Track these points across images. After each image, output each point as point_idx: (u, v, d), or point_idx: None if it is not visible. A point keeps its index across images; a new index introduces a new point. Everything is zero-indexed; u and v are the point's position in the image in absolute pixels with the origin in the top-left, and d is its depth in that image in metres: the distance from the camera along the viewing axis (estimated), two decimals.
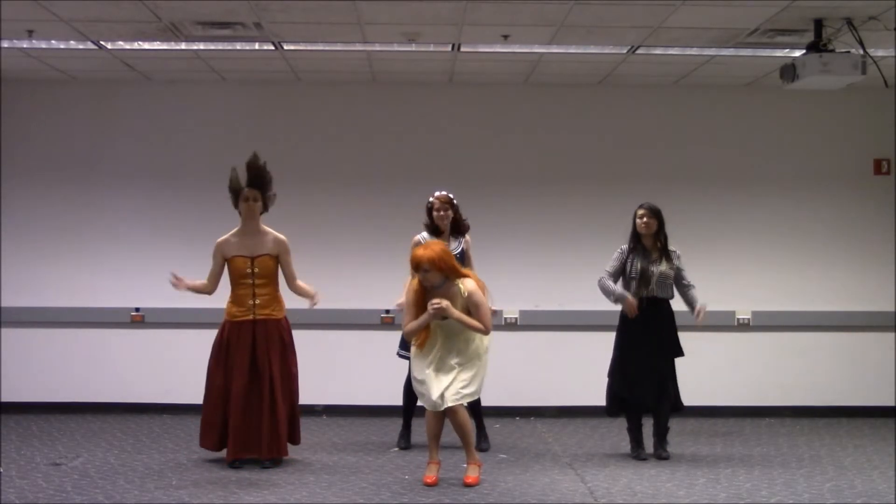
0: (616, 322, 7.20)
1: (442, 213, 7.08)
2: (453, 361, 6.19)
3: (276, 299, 6.75)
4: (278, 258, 6.73)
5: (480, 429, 7.28)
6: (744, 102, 8.95)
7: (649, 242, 7.03)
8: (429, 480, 6.22)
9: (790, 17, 6.73)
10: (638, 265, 6.97)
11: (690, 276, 7.10)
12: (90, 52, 7.71)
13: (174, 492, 5.98)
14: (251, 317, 6.64)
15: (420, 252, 6.16)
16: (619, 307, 7.09)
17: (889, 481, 6.35)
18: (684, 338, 7.10)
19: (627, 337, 7.07)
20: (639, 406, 7.11)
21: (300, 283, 6.81)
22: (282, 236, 6.77)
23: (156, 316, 8.70)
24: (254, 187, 6.67)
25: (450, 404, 6.13)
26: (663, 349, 7.03)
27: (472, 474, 6.26)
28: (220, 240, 6.75)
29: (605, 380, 7.18)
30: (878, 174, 8.94)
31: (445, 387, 6.14)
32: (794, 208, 8.93)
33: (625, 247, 7.08)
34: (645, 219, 6.99)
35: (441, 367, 6.19)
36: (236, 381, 6.58)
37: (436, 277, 6.15)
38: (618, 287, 7.03)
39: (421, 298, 6.18)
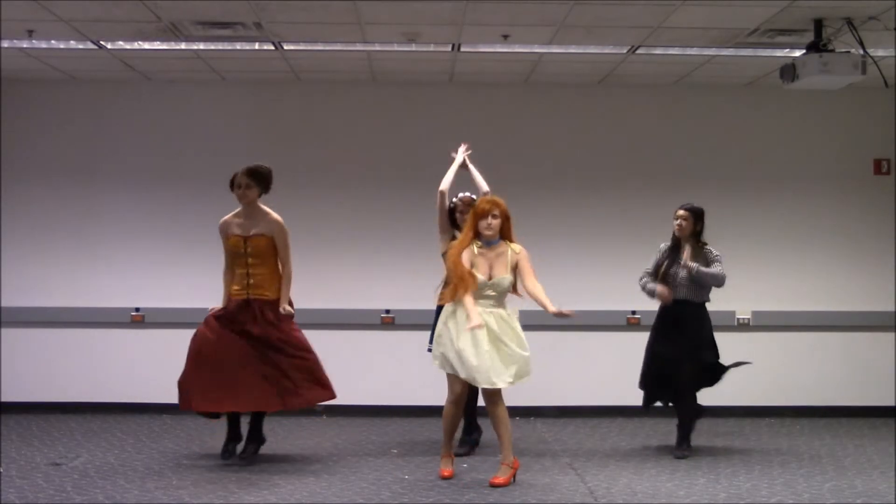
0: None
1: (466, 215, 6.97)
2: (507, 340, 6.11)
3: (271, 280, 6.72)
4: (273, 239, 6.72)
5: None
6: (744, 102, 8.95)
7: (685, 244, 7.02)
8: (446, 474, 6.26)
9: (790, 17, 6.73)
10: (672, 266, 6.99)
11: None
12: (90, 52, 7.71)
13: (174, 492, 5.98)
14: (245, 296, 6.67)
15: (485, 202, 6.16)
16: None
17: (889, 481, 6.35)
18: None
19: (657, 336, 7.12)
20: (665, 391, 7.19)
21: (288, 281, 6.74)
22: (277, 217, 6.74)
23: (156, 316, 8.71)
24: (247, 175, 6.68)
25: (505, 384, 6.09)
26: (692, 351, 7.01)
27: (503, 476, 6.15)
28: (222, 220, 6.80)
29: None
30: (878, 174, 8.95)
31: (503, 367, 6.07)
32: (794, 208, 8.94)
33: (663, 245, 7.11)
34: (678, 221, 6.99)
35: (496, 347, 6.10)
36: (229, 339, 6.54)
37: (497, 227, 6.13)
38: (649, 284, 7.05)
39: (459, 251, 6.12)
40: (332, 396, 6.83)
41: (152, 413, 8.56)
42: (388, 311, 8.70)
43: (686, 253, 6.99)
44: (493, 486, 6.11)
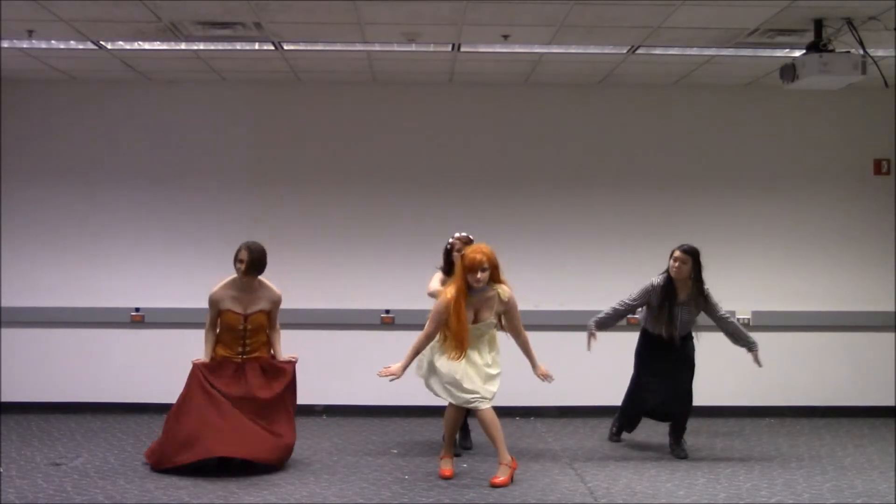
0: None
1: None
2: (482, 363, 6.31)
3: (265, 342, 6.80)
4: (271, 311, 6.78)
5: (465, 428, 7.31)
6: (744, 102, 8.95)
7: (681, 285, 7.01)
8: (447, 473, 6.31)
9: (790, 17, 6.73)
10: (667, 306, 6.98)
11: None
12: (90, 52, 7.71)
13: (174, 492, 5.99)
14: (240, 360, 6.70)
15: (475, 253, 6.18)
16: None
17: (889, 481, 6.36)
18: None
19: (647, 365, 7.21)
20: (649, 412, 7.31)
21: (279, 337, 6.84)
22: (277, 292, 6.80)
23: (156, 316, 8.70)
24: (249, 252, 6.66)
25: (487, 405, 6.24)
26: (683, 365, 7.12)
27: (502, 476, 6.24)
28: (213, 292, 6.74)
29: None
30: (878, 174, 8.95)
31: (480, 386, 6.25)
32: (794, 208, 8.93)
33: (656, 281, 7.06)
34: (678, 263, 6.96)
35: (473, 368, 6.29)
36: (221, 394, 6.56)
37: (486, 279, 6.20)
38: (594, 323, 7.20)
39: (461, 305, 6.19)
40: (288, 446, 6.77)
41: (152, 413, 8.54)
42: (388, 311, 8.70)
43: (683, 294, 7.02)
44: (494, 486, 6.12)
